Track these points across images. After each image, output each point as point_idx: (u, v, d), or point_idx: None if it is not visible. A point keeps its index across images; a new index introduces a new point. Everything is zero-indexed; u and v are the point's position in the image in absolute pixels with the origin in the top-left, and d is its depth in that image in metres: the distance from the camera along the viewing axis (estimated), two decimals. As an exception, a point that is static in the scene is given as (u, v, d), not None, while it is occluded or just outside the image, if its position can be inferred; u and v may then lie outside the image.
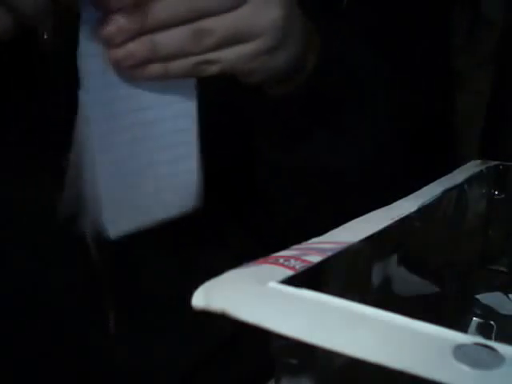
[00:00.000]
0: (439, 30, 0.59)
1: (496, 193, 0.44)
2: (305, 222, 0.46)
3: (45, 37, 0.45)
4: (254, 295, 0.18)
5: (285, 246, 0.23)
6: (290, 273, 0.20)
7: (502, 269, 0.45)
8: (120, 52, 0.33)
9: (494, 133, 0.79)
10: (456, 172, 0.39)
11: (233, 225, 0.51)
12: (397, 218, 0.27)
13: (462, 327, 0.43)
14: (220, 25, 0.34)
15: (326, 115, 0.44)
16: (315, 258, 0.21)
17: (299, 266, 0.21)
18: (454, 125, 0.76)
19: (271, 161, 0.45)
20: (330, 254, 0.22)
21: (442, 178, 0.37)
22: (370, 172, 0.48)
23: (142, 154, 0.36)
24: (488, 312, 0.44)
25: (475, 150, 0.79)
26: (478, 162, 0.43)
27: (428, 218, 0.31)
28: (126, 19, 0.32)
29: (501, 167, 0.43)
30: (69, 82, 0.46)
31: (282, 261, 0.21)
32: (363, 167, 0.47)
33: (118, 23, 0.32)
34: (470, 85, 0.81)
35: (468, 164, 0.43)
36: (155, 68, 0.34)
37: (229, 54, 0.35)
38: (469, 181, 0.38)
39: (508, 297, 0.44)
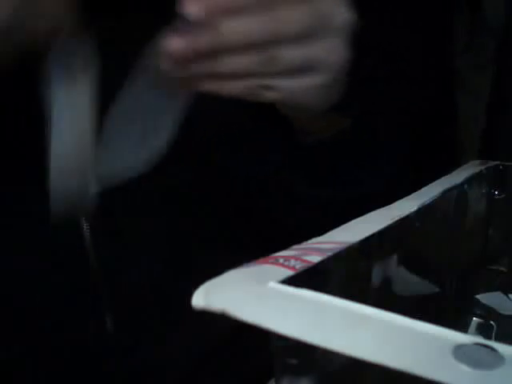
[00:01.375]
0: (440, 31, 0.59)
1: (496, 193, 0.44)
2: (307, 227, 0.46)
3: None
4: (254, 295, 0.18)
5: (285, 246, 0.23)
6: (290, 273, 0.20)
7: (502, 269, 0.45)
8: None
9: (494, 133, 0.79)
10: (456, 172, 0.39)
11: (233, 225, 0.51)
12: (397, 218, 0.27)
13: (462, 327, 0.43)
14: (290, 54, 0.33)
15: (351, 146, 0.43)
16: (315, 258, 0.21)
17: (299, 265, 0.21)
18: (454, 125, 0.76)
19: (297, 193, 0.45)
20: (329, 254, 0.22)
21: (442, 178, 0.37)
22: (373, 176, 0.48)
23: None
24: (488, 312, 0.44)
25: (475, 150, 0.79)
26: (478, 162, 0.44)
27: (428, 218, 0.31)
28: (198, 36, 0.31)
29: (501, 167, 0.43)
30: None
31: (282, 261, 0.21)
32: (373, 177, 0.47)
33: (190, 41, 0.31)
34: (470, 85, 0.81)
35: (468, 164, 0.43)
36: (210, 83, 0.33)
37: (291, 84, 0.34)
38: (469, 181, 0.38)
39: (508, 297, 0.44)
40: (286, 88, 0.34)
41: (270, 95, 0.34)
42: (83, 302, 0.49)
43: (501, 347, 0.15)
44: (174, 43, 0.31)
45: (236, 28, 0.31)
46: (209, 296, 0.18)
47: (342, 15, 0.34)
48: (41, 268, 0.49)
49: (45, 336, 0.50)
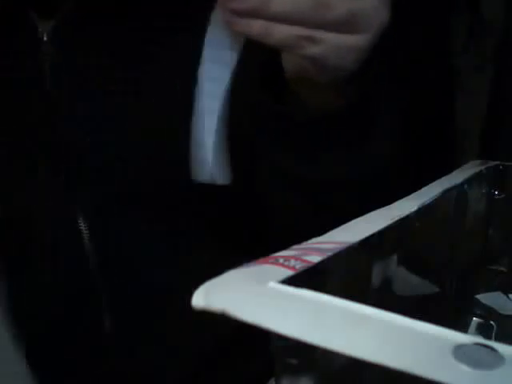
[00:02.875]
0: (439, 31, 0.59)
1: (496, 193, 0.44)
2: (305, 225, 0.46)
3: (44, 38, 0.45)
4: (254, 295, 0.18)
5: (285, 246, 0.23)
6: (290, 273, 0.20)
7: (502, 269, 0.45)
8: None
9: (494, 133, 0.79)
10: (456, 172, 0.39)
11: (233, 225, 0.51)
12: (397, 218, 0.27)
13: (462, 327, 0.43)
14: (344, 6, 0.32)
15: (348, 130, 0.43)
16: (315, 258, 0.21)
17: (299, 265, 0.21)
18: (454, 125, 0.76)
19: (284, 170, 0.45)
20: (329, 254, 0.22)
21: (442, 178, 0.37)
22: (372, 175, 0.48)
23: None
24: (488, 312, 0.44)
25: (475, 150, 0.79)
26: (478, 162, 0.44)
27: (428, 218, 0.31)
28: None
29: (501, 167, 0.43)
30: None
31: (282, 261, 0.21)
32: (371, 174, 0.46)
33: None
34: (470, 85, 0.81)
35: (468, 164, 0.43)
36: (257, 24, 0.32)
37: (336, 39, 0.33)
38: (469, 181, 0.38)
39: (508, 297, 0.44)
40: (331, 43, 0.33)
41: (312, 50, 0.33)
42: (83, 302, 0.49)
43: (501, 347, 0.15)
44: None
45: None
46: (209, 296, 0.18)
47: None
48: (40, 268, 0.49)
49: (45, 336, 0.50)
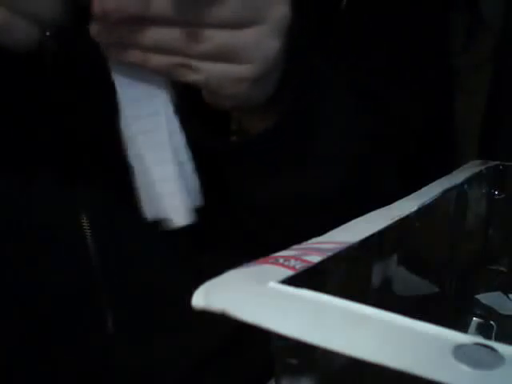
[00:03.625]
0: (438, 31, 0.59)
1: (496, 193, 0.44)
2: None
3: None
4: (254, 295, 0.18)
5: (285, 246, 0.23)
6: (290, 273, 0.20)
7: (502, 269, 0.45)
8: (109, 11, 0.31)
9: (494, 133, 0.79)
10: (456, 172, 0.39)
11: (233, 225, 0.51)
12: (397, 218, 0.27)
13: (462, 327, 0.43)
14: (219, 37, 0.32)
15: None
16: (315, 258, 0.21)
17: (299, 265, 0.21)
18: (453, 125, 0.76)
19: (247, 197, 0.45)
20: (329, 254, 0.22)
21: (442, 178, 0.37)
22: (370, 175, 0.48)
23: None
24: (488, 312, 0.44)
25: (475, 150, 0.79)
26: (478, 162, 0.44)
27: (428, 218, 0.31)
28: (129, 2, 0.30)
29: (501, 167, 0.43)
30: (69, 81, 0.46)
31: (282, 261, 0.21)
32: (363, 172, 0.46)
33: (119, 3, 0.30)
34: (470, 85, 0.80)
35: (468, 164, 0.43)
36: (135, 54, 0.33)
37: (215, 68, 0.33)
38: (469, 181, 0.38)
39: (508, 297, 0.44)
40: (211, 72, 0.33)
41: (192, 77, 0.33)
42: (83, 301, 0.49)
43: (501, 347, 0.15)
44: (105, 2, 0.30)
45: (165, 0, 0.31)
46: (209, 296, 0.18)
47: (278, 8, 0.34)
48: (41, 267, 0.49)
49: (46, 336, 0.50)
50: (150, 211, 0.35)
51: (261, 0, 0.33)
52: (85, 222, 0.47)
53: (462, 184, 0.37)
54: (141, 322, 0.50)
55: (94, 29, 0.32)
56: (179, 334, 0.51)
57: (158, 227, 0.35)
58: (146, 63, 0.33)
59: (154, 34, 0.32)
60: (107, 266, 0.48)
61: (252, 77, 0.34)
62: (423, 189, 0.33)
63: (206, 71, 0.33)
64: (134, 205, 0.40)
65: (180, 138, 0.35)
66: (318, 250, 0.22)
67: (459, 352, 0.15)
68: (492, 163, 0.43)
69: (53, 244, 0.48)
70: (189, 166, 0.35)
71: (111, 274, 0.48)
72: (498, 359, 0.15)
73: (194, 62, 0.33)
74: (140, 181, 0.35)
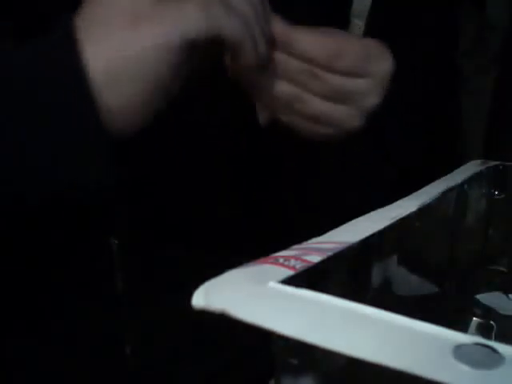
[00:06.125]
0: (444, 31, 0.59)
1: (496, 193, 0.44)
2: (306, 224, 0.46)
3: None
4: (254, 295, 0.18)
5: (285, 246, 0.23)
6: (290, 273, 0.20)
7: (502, 269, 0.45)
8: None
9: (495, 133, 0.79)
10: (456, 172, 0.39)
11: (233, 225, 0.51)
12: (397, 218, 0.27)
13: (462, 327, 0.43)
14: (337, 80, 0.37)
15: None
16: (315, 258, 0.21)
17: (299, 265, 0.21)
18: (455, 125, 0.76)
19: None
20: (329, 254, 0.22)
21: (442, 178, 0.37)
22: (375, 174, 0.48)
23: None
24: (488, 312, 0.44)
25: (475, 150, 0.79)
26: (478, 161, 0.43)
27: (428, 218, 0.31)
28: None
29: (501, 167, 0.43)
30: None
31: (282, 261, 0.21)
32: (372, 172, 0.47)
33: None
34: (472, 85, 0.81)
35: (468, 164, 0.43)
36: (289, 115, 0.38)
37: (328, 108, 0.38)
38: (469, 181, 0.38)
39: (508, 297, 0.44)
40: (338, 117, 0.38)
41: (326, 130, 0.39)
42: (104, 316, 0.49)
43: (501, 347, 0.15)
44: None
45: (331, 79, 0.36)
46: (209, 296, 0.18)
47: (385, 63, 0.38)
48: (43, 267, 0.49)
49: (45, 336, 0.50)
50: None
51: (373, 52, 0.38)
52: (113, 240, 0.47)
53: (462, 184, 0.37)
54: (140, 321, 0.50)
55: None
56: (179, 334, 0.51)
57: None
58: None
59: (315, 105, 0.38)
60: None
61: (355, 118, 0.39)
62: (423, 189, 0.33)
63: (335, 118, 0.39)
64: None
65: None
66: (318, 250, 0.22)
67: (459, 352, 0.15)
68: (492, 163, 0.43)
69: (79, 259, 0.48)
70: None
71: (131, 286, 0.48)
72: (498, 359, 0.15)
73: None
74: None
